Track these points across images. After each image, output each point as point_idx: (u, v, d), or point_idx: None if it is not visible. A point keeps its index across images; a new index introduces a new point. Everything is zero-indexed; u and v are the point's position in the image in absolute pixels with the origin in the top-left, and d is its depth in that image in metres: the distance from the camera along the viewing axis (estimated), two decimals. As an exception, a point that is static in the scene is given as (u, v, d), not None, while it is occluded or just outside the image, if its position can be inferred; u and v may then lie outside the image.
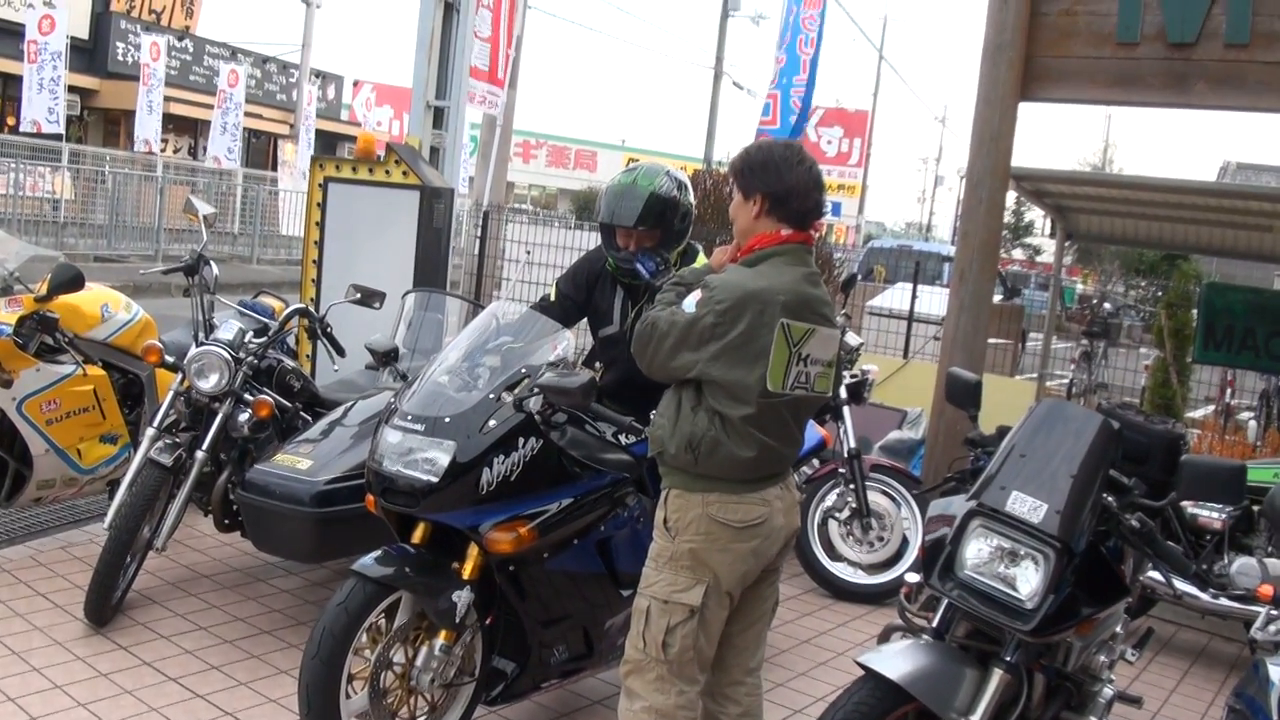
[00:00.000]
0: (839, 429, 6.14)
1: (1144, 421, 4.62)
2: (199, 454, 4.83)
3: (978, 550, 3.13)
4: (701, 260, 4.15)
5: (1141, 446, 4.21)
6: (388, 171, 6.77)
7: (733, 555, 3.27)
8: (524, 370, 3.77)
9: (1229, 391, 12.67)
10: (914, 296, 10.02)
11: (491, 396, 3.69)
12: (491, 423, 3.63)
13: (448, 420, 3.61)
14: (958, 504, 3.32)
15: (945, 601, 3.27)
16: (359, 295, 5.23)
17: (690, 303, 3.24)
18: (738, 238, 3.43)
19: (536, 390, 3.68)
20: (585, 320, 4.62)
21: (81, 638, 4.56)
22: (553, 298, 4.52)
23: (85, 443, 5.40)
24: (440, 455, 3.55)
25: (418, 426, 3.62)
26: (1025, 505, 3.08)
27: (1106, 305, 18.22)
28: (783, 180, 3.31)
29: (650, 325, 3.30)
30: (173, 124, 27.52)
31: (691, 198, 4.39)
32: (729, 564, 3.28)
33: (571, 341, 4.08)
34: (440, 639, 3.60)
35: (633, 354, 3.42)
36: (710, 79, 30.59)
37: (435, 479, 3.54)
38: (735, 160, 3.46)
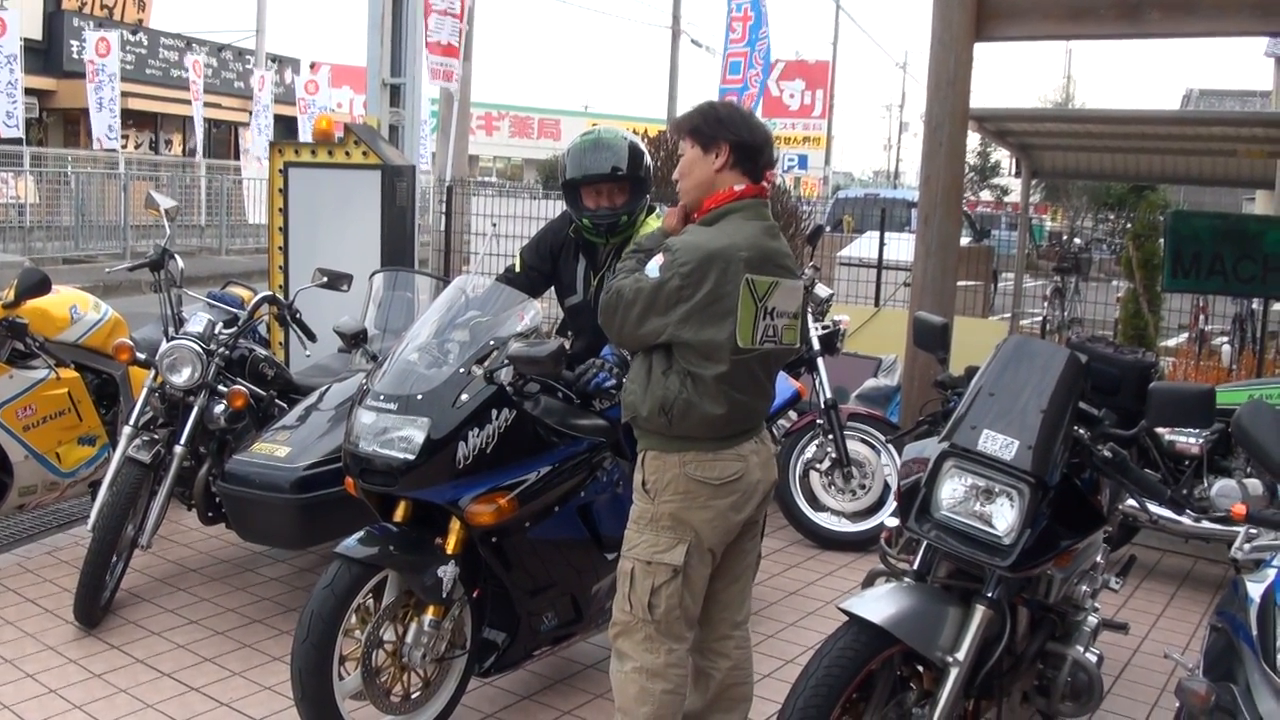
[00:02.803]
0: (814, 380, 6.15)
1: (1113, 353, 4.67)
2: (177, 449, 4.82)
3: (952, 490, 3.15)
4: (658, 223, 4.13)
5: (1112, 378, 4.26)
6: (347, 153, 6.73)
7: (712, 512, 3.30)
8: (493, 342, 3.77)
9: (1202, 318, 12.72)
10: (882, 244, 10.02)
11: (462, 371, 3.70)
12: (464, 397, 3.64)
13: (420, 397, 3.62)
14: (931, 447, 3.34)
15: (924, 543, 3.30)
16: (325, 279, 5.21)
17: (654, 267, 3.23)
18: (692, 192, 3.37)
19: (506, 361, 3.69)
20: (553, 290, 4.60)
21: (73, 640, 4.57)
22: (518, 268, 4.51)
23: (64, 446, 5.39)
24: (415, 433, 3.57)
25: (391, 406, 3.63)
26: (996, 443, 3.10)
27: (1076, 241, 18.29)
28: (753, 132, 3.35)
29: (615, 294, 3.29)
30: (132, 119, 27.24)
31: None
32: (709, 521, 3.30)
33: (540, 311, 4.09)
34: (429, 615, 3.63)
35: (600, 325, 3.42)
36: (669, 39, 30.49)
37: (412, 456, 3.55)
38: (691, 116, 3.39)
